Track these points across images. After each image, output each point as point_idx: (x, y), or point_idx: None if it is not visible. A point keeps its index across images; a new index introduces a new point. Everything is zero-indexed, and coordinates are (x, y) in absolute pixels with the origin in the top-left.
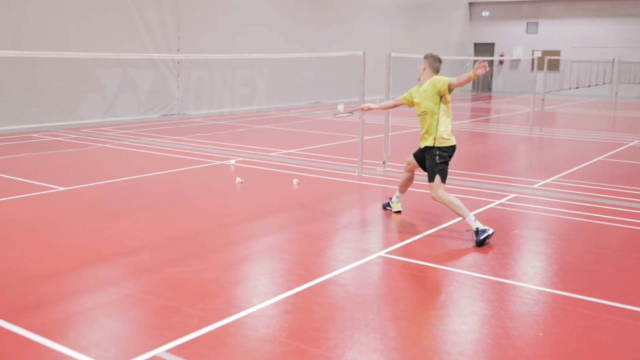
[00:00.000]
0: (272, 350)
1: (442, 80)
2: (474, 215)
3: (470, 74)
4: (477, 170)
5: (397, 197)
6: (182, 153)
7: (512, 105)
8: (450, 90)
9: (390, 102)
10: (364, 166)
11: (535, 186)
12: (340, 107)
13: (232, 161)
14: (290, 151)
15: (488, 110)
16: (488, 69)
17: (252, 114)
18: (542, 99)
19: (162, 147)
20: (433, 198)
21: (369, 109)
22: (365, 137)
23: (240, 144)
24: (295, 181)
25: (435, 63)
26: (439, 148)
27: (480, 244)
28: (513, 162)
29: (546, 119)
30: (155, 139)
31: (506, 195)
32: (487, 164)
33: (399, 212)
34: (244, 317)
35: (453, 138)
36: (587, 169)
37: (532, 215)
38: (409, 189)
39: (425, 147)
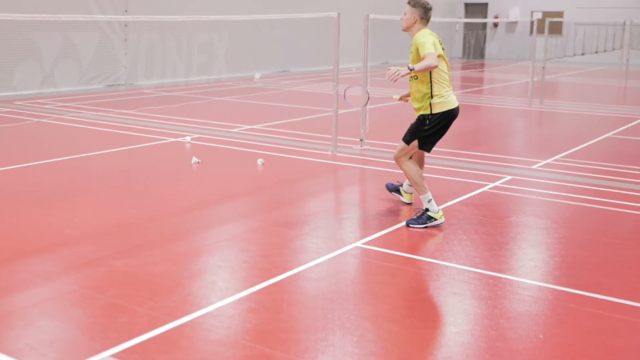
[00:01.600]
0: (233, 355)
1: (421, 43)
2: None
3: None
4: (468, 148)
5: (410, 185)
6: (131, 129)
7: (508, 75)
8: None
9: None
10: (339, 144)
11: (534, 167)
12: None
13: (188, 138)
14: (254, 127)
15: (480, 80)
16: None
17: (211, 85)
18: (543, 67)
19: (107, 122)
20: (394, 158)
21: (397, 98)
22: (341, 111)
23: (197, 119)
24: (259, 161)
25: (427, 13)
26: (432, 115)
27: (412, 224)
28: (509, 139)
29: (547, 90)
30: (99, 113)
31: (501, 178)
32: (479, 142)
33: (410, 204)
34: (201, 316)
35: (451, 100)
36: (594, 147)
37: (530, 200)
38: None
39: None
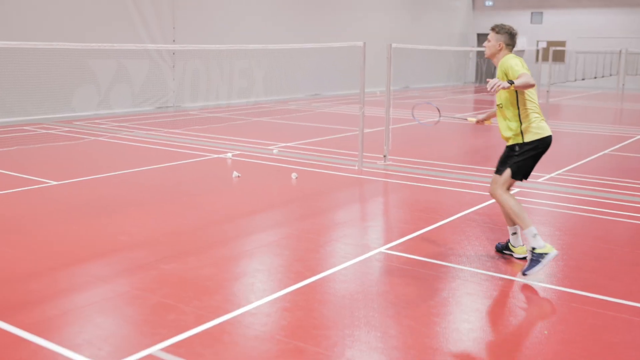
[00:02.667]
0: (269, 349)
1: (509, 66)
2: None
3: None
4: (479, 163)
5: (514, 233)
6: (178, 146)
7: None
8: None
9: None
10: (364, 160)
11: (539, 180)
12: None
13: (229, 154)
14: (288, 144)
15: (491, 103)
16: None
17: (250, 106)
18: (547, 91)
19: (157, 140)
20: (490, 193)
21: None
22: (366, 130)
23: (238, 137)
24: (293, 175)
25: (513, 39)
26: (524, 143)
27: (528, 271)
28: None
29: (551, 111)
30: (149, 132)
31: (510, 190)
32: (490, 157)
33: (524, 258)
34: (241, 314)
35: (543, 127)
36: (594, 162)
37: (536, 210)
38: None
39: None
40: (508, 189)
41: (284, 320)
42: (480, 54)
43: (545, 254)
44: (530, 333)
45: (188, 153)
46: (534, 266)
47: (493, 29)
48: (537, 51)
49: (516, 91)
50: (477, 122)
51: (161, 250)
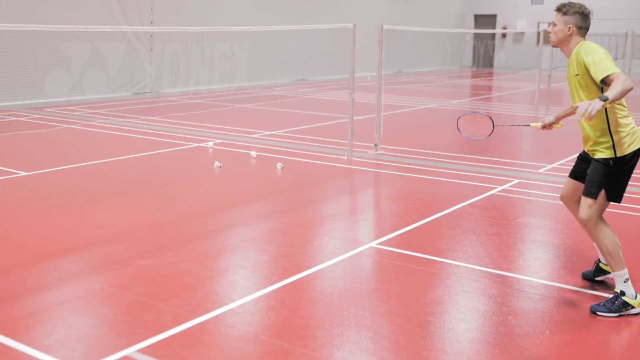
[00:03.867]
0: (253, 350)
1: (593, 62)
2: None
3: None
4: (477, 153)
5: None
6: (156, 135)
7: (516, 83)
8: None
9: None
10: (354, 149)
11: (540, 171)
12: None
13: (210, 143)
14: (273, 132)
15: (489, 88)
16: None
17: (232, 92)
18: (549, 76)
19: (133, 128)
20: (580, 218)
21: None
22: (356, 117)
23: (219, 125)
24: (279, 165)
25: (586, 20)
26: (617, 158)
27: (601, 311)
28: (517, 144)
29: (553, 98)
30: (126, 120)
31: (509, 181)
32: (488, 147)
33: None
34: (223, 313)
35: (638, 138)
36: None
37: (537, 203)
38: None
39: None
40: (601, 212)
41: (269, 319)
42: (477, 37)
43: (631, 306)
44: (531, 333)
45: (166, 142)
46: (612, 310)
47: (559, 9)
48: (538, 33)
49: (602, 90)
50: (544, 127)
51: (138, 244)
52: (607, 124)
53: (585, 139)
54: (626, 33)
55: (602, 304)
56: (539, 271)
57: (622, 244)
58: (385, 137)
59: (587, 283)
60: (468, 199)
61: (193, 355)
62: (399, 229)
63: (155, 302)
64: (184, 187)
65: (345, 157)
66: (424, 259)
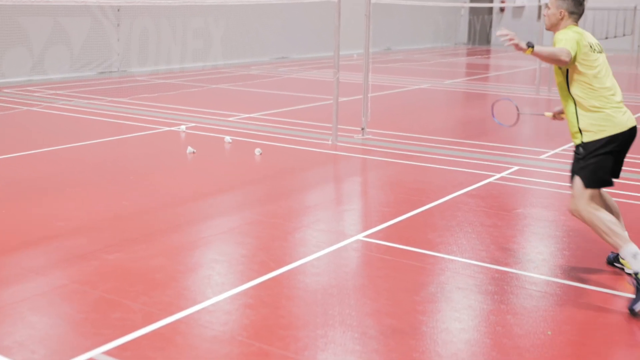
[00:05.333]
0: (230, 352)
1: (558, 39)
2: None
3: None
4: (473, 138)
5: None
6: (123, 118)
7: (515, 61)
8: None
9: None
10: (339, 133)
11: (542, 157)
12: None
13: (183, 127)
14: (251, 115)
15: (486, 67)
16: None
17: (206, 72)
18: None
19: (99, 110)
20: (570, 212)
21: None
22: (341, 99)
23: (192, 107)
24: (257, 151)
25: (579, 6)
26: (584, 144)
27: (635, 304)
28: (516, 128)
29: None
30: (91, 101)
31: (508, 168)
32: (485, 131)
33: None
34: (197, 312)
35: (614, 122)
36: None
37: (538, 191)
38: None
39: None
40: (593, 199)
41: (247, 318)
42: (473, 11)
43: None
44: (531, 334)
45: (135, 125)
46: None
47: None
48: (539, 8)
49: (567, 75)
50: (554, 116)
51: (104, 237)
52: (575, 110)
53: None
54: (635, 7)
55: (632, 301)
56: (541, 266)
57: (632, 237)
58: (373, 120)
59: (593, 280)
60: (463, 188)
61: (164, 357)
62: (388, 220)
63: (123, 299)
64: (154, 175)
65: (330, 142)
66: (415, 253)
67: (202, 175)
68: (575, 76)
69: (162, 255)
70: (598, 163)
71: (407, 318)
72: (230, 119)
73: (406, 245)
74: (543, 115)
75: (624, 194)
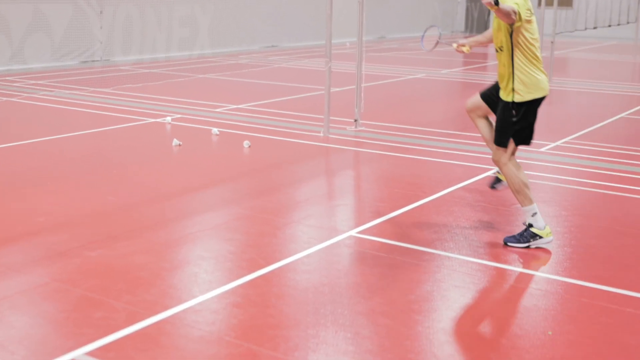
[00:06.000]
0: (217, 352)
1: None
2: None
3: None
4: (470, 129)
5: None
6: (107, 109)
7: None
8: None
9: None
10: (331, 125)
11: (542, 150)
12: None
13: (168, 119)
14: (240, 106)
15: (484, 56)
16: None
17: (193, 61)
18: (552, 42)
19: (81, 101)
20: (494, 161)
21: (467, 51)
22: (333, 89)
23: (178, 98)
24: (246, 143)
25: None
26: (514, 103)
27: (512, 242)
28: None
29: (556, 67)
30: (73, 92)
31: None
32: None
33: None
34: (183, 311)
35: (540, 86)
36: (607, 128)
37: (539, 186)
38: None
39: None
40: (513, 153)
41: (235, 318)
42: None
43: (540, 237)
44: (531, 334)
45: (119, 117)
46: (521, 241)
47: None
48: None
49: (511, 33)
50: (458, 47)
51: (86, 233)
52: (512, 69)
53: (499, 78)
54: None
55: (513, 236)
56: (541, 264)
57: (636, 232)
58: (367, 111)
59: (596, 278)
60: (460, 182)
61: (148, 358)
62: (382, 215)
63: (106, 298)
64: (138, 169)
65: (322, 135)
66: (411, 250)
67: (189, 168)
68: (519, 39)
69: (147, 252)
70: (523, 124)
71: (402, 317)
72: (217, 110)
73: (401, 241)
74: (451, 46)
75: (636, 189)
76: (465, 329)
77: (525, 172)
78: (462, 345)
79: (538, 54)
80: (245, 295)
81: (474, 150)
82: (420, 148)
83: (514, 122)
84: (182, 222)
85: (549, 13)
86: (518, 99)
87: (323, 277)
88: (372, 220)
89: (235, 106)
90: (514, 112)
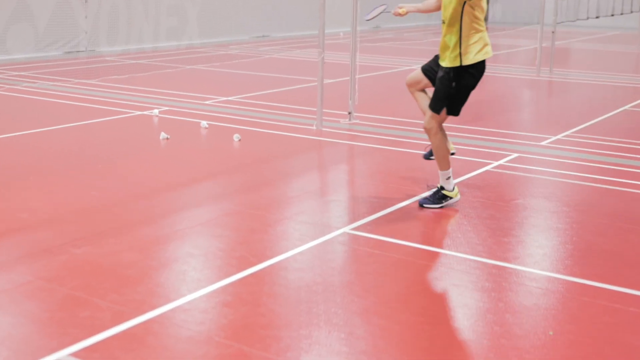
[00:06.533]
0: (206, 353)
1: None
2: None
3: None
4: (468, 123)
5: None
6: (92, 101)
7: (514, 40)
8: None
9: (432, 2)
10: (325, 118)
11: (543, 143)
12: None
13: (156, 111)
14: (229, 98)
15: None
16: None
17: (181, 51)
18: (553, 32)
19: (66, 93)
20: (424, 127)
21: (406, 12)
22: (326, 81)
23: (166, 90)
24: (236, 137)
25: None
26: (457, 68)
27: (427, 204)
28: (515, 112)
29: (557, 58)
30: (57, 83)
31: (506, 155)
32: (481, 115)
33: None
34: (171, 311)
35: (484, 51)
36: (610, 121)
37: (539, 181)
38: None
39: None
40: (442, 122)
41: (224, 318)
42: None
43: (449, 197)
44: (531, 334)
45: (104, 109)
46: (434, 202)
47: None
48: None
49: (463, 6)
50: (394, 11)
51: (71, 230)
52: (459, 38)
53: (440, 48)
54: None
55: (427, 198)
56: (542, 261)
57: (639, 229)
58: (361, 103)
59: (598, 276)
60: (458, 177)
61: (135, 359)
62: (377, 211)
63: (92, 297)
64: (124, 163)
65: (314, 128)
66: (407, 247)
67: (177, 163)
68: (468, 14)
69: (134, 250)
70: (459, 93)
71: (398, 317)
72: (206, 102)
73: (397, 238)
74: (389, 12)
75: (634, 184)
76: (464, 329)
77: (526, 166)
78: (459, 346)
79: (482, 28)
80: (235, 294)
81: (471, 144)
82: (417, 142)
83: (452, 87)
84: (170, 218)
85: (550, 2)
86: (464, 62)
87: (316, 276)
88: (366, 216)
89: (224, 98)
90: (454, 83)
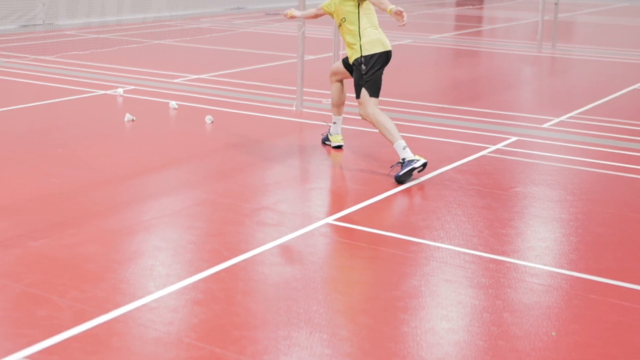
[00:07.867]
0: (176, 356)
1: None
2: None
3: (391, 8)
4: (463, 103)
5: (335, 123)
6: (50, 79)
7: (513, 13)
8: None
9: (312, 11)
10: (305, 97)
11: (545, 125)
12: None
13: (120, 90)
14: (201, 76)
15: (479, 19)
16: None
17: (148, 25)
18: (555, 4)
19: (21, 70)
20: (361, 116)
21: (292, 16)
22: (307, 57)
23: (131, 67)
24: (208, 118)
25: None
26: (365, 57)
27: (401, 179)
28: (514, 92)
29: (560, 32)
30: (12, 60)
31: (505, 139)
32: (477, 95)
33: (339, 147)
34: (137, 309)
35: (382, 42)
36: (617, 101)
37: (540, 167)
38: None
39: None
40: (376, 104)
41: (195, 317)
42: None
43: (416, 160)
44: (532, 335)
45: (64, 88)
46: (406, 167)
47: None
48: None
49: (359, 5)
50: (285, 14)
51: (28, 221)
52: (359, 32)
53: (346, 47)
54: None
55: (399, 174)
56: (543, 255)
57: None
58: (345, 82)
59: (605, 271)
60: (452, 162)
61: None
62: (363, 200)
63: (50, 294)
64: (86, 147)
65: (294, 109)
66: (395, 239)
67: (143, 147)
68: (364, 10)
69: (96, 242)
70: (375, 76)
71: (386, 316)
72: (176, 80)
73: (384, 230)
74: (284, 15)
75: (632, 168)
76: (458, 329)
77: (526, 151)
78: (453, 347)
79: (376, 22)
80: (207, 291)
81: (467, 126)
82: (407, 124)
83: (365, 74)
84: (135, 207)
85: None
86: (365, 52)
87: (296, 271)
88: (351, 206)
89: (195, 76)
90: (363, 66)
